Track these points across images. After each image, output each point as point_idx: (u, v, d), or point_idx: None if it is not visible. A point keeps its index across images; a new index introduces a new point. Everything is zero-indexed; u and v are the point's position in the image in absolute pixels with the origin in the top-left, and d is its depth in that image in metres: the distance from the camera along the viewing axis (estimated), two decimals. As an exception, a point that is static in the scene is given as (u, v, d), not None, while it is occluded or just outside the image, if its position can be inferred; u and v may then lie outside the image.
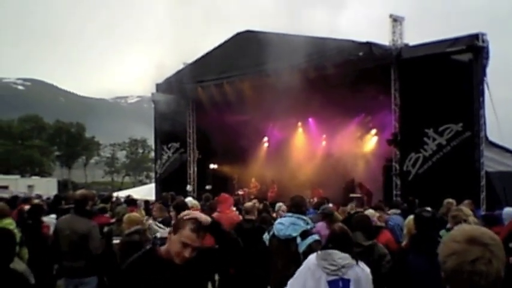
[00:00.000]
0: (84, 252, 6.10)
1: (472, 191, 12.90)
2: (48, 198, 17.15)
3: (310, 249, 5.17)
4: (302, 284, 4.26)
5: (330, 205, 8.96)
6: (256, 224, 7.08)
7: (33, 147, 69.45)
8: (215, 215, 8.56)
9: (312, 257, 4.36)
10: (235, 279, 7.03)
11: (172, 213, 7.02)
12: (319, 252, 4.34)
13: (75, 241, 6.12)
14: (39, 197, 18.71)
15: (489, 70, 14.86)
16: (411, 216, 5.29)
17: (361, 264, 4.26)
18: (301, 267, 4.41)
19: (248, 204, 7.64)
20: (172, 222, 7.01)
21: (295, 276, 4.38)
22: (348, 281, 4.13)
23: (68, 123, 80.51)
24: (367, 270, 4.27)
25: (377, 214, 7.84)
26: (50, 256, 6.93)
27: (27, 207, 9.50)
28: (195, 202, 10.23)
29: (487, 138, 15.46)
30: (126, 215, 6.61)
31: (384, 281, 4.72)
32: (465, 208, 5.72)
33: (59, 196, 14.02)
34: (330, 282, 4.14)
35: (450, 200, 8.32)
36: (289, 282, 4.39)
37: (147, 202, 14.41)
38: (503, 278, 1.75)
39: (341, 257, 4.20)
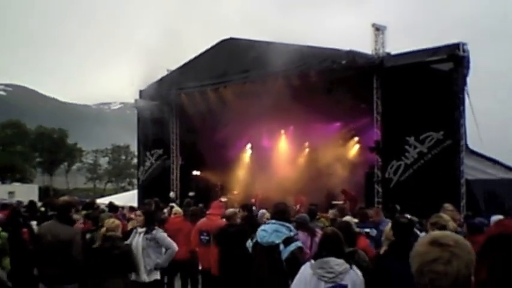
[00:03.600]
0: (65, 259, 5.96)
1: (452, 198, 12.94)
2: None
3: (293, 256, 5.20)
4: None
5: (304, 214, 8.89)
6: (239, 227, 7.06)
7: (15, 153, 68.54)
8: (203, 220, 8.59)
9: (306, 268, 4.38)
10: (219, 282, 7.04)
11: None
12: (312, 261, 4.36)
13: (56, 248, 6.00)
14: (19, 203, 18.43)
15: (472, 81, 15.07)
16: (389, 224, 5.36)
17: (355, 268, 4.31)
18: (296, 281, 4.42)
19: (229, 210, 7.66)
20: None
21: None
22: (346, 286, 4.19)
23: (50, 129, 79.57)
24: (360, 273, 4.32)
25: (355, 220, 7.90)
26: (30, 262, 6.83)
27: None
28: (178, 209, 10.27)
29: (467, 146, 15.64)
30: (105, 222, 6.63)
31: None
32: (444, 215, 5.77)
33: (34, 202, 13.82)
34: None
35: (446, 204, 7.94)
36: None
37: (122, 208, 14.24)
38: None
39: (338, 263, 4.24)
